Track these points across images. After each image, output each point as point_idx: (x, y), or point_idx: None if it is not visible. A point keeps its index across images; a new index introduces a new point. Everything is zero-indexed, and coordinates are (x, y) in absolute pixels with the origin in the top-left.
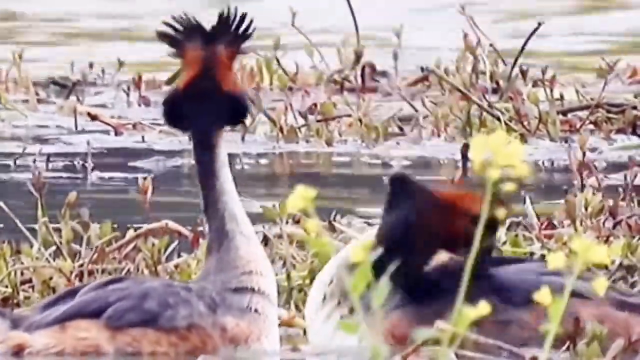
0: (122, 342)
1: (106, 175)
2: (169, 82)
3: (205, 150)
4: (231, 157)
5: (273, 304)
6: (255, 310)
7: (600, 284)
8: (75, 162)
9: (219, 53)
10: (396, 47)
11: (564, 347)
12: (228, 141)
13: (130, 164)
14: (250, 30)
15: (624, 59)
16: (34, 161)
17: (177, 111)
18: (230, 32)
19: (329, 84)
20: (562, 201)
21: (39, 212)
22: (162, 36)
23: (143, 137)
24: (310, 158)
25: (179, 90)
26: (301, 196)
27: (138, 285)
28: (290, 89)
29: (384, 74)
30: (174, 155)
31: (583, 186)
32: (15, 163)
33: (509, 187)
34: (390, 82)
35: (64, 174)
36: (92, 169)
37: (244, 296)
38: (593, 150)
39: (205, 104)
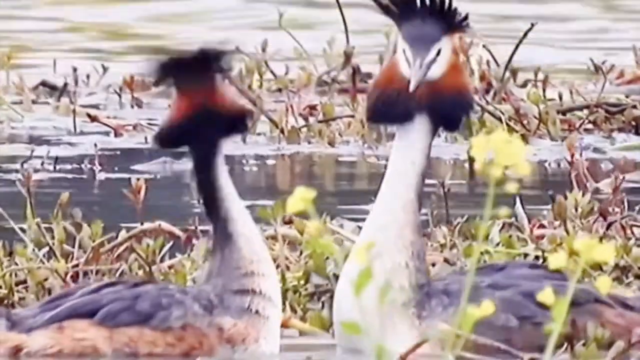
0: (119, 343)
1: (113, 177)
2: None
3: (203, 160)
4: (235, 158)
5: (275, 305)
6: (256, 312)
7: (603, 283)
8: (83, 165)
9: (211, 76)
10: (384, 49)
11: (562, 349)
12: (231, 142)
13: (137, 166)
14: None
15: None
16: (42, 163)
17: (174, 138)
18: (217, 60)
19: (319, 85)
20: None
21: (28, 214)
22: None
23: (146, 138)
24: (314, 159)
25: (174, 119)
26: (301, 197)
27: (131, 287)
28: (280, 90)
29: (369, 75)
30: (180, 157)
31: (572, 187)
32: (22, 166)
33: (511, 186)
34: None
35: (69, 176)
36: (100, 171)
37: (244, 297)
38: (596, 150)
39: (207, 124)
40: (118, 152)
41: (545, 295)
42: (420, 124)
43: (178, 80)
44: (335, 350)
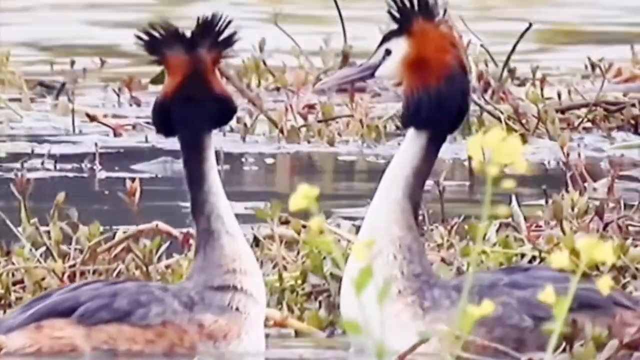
0: (97, 340)
1: (113, 175)
2: (154, 82)
3: (194, 153)
4: (235, 157)
5: (257, 302)
6: (237, 309)
7: (604, 283)
8: (83, 164)
9: (202, 57)
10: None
11: (561, 349)
12: (231, 142)
13: (137, 165)
14: (232, 35)
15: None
16: (42, 162)
17: (166, 118)
18: (212, 37)
19: (316, 84)
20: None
21: (23, 215)
22: (142, 44)
23: (146, 138)
24: (314, 158)
25: (166, 96)
26: (304, 195)
27: (110, 285)
28: (278, 89)
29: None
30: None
31: (567, 186)
32: (22, 165)
33: (508, 184)
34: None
35: (70, 175)
36: (100, 170)
37: (225, 294)
38: (595, 149)
39: (193, 108)
40: (118, 152)
41: (547, 294)
42: (409, 129)
43: (168, 55)
44: (330, 349)
